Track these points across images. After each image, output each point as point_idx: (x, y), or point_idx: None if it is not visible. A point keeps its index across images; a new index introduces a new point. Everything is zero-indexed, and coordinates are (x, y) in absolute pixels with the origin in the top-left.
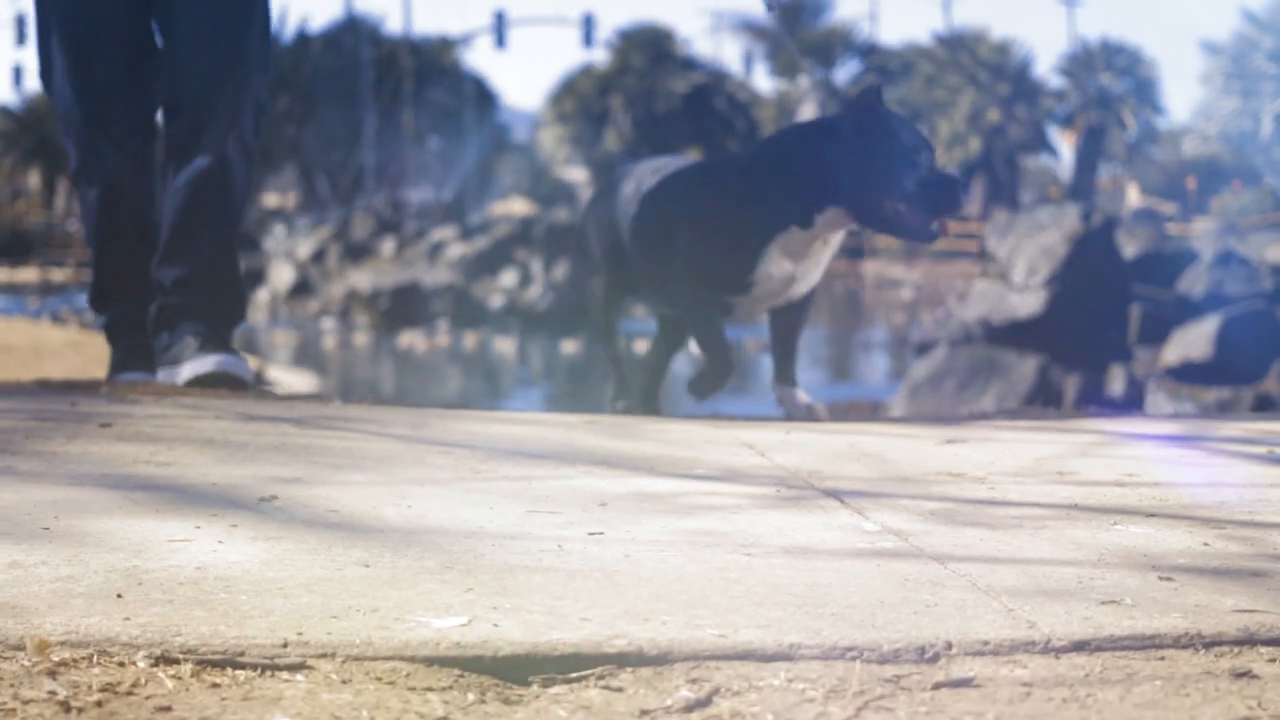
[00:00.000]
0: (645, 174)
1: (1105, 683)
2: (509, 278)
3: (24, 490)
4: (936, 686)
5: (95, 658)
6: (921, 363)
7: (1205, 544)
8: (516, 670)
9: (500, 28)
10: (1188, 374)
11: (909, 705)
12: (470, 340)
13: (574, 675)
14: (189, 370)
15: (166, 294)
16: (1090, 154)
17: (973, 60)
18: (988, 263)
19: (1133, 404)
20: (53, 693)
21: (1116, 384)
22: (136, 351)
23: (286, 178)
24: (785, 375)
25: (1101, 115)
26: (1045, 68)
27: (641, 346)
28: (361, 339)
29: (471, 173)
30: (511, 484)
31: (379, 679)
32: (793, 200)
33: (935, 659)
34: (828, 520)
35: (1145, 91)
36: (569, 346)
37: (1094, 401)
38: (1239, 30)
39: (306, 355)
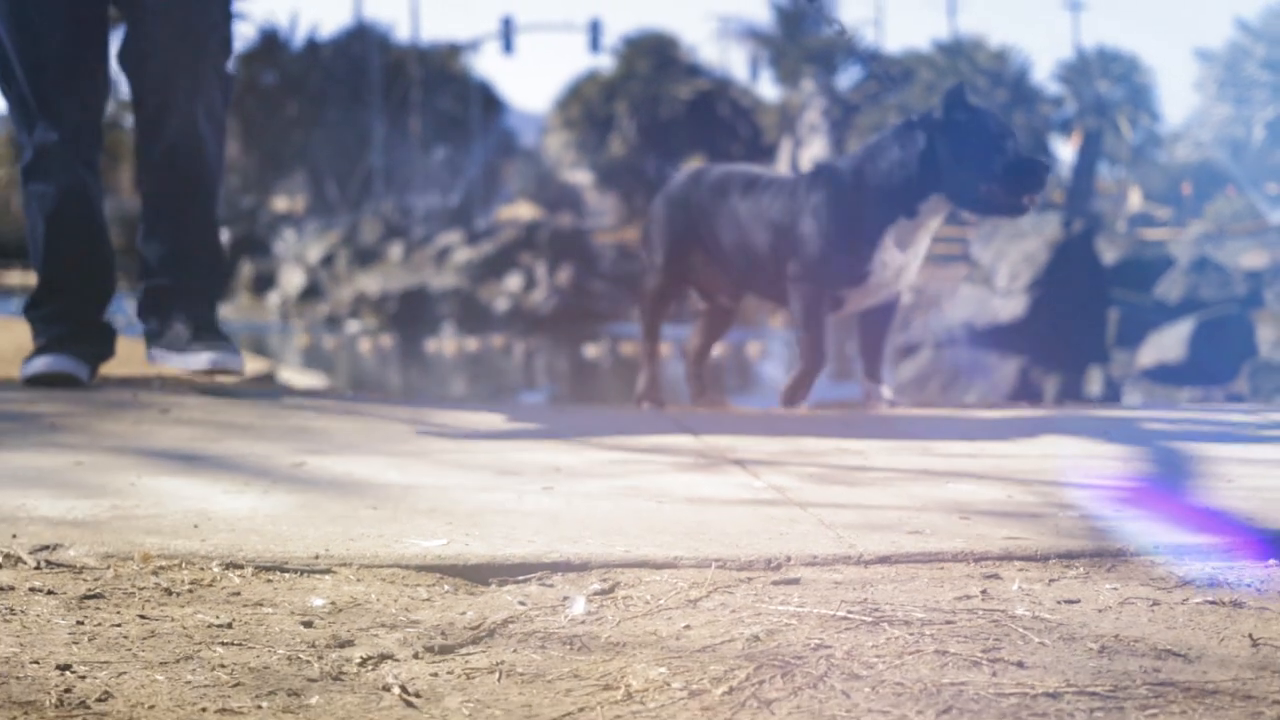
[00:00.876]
0: (737, 178)
1: (894, 581)
2: (514, 282)
3: (107, 459)
4: (773, 583)
5: (183, 564)
6: (908, 364)
7: (1009, 496)
8: (480, 573)
9: (508, 33)
10: (1162, 375)
11: (748, 593)
12: (476, 344)
13: (521, 577)
14: (186, 362)
15: (153, 274)
16: (1089, 159)
17: (971, 67)
18: (973, 268)
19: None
20: (157, 584)
21: (1094, 384)
22: (68, 339)
23: (296, 182)
24: (874, 373)
25: (1098, 121)
26: (1043, 75)
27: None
28: (384, 342)
29: (478, 178)
30: (488, 456)
31: (383, 579)
32: (899, 192)
33: (777, 567)
34: (727, 480)
35: (1142, 98)
36: (572, 348)
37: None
38: (1233, 38)
39: (329, 356)
